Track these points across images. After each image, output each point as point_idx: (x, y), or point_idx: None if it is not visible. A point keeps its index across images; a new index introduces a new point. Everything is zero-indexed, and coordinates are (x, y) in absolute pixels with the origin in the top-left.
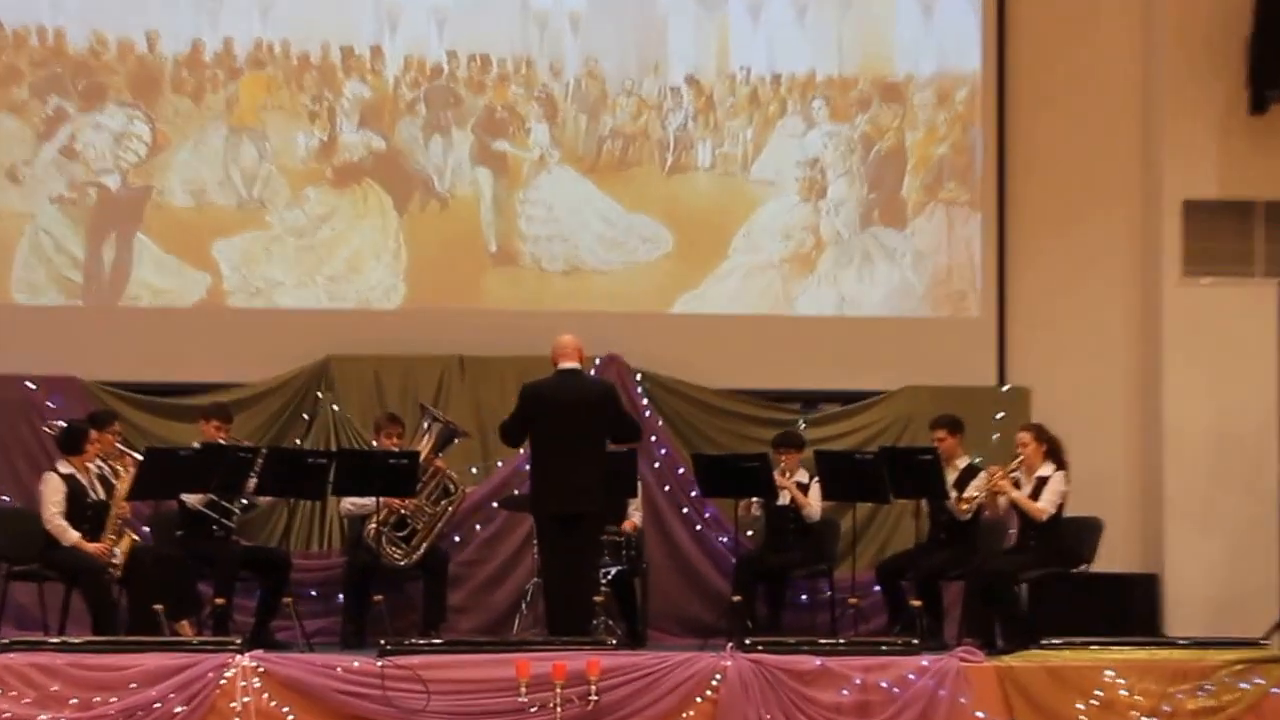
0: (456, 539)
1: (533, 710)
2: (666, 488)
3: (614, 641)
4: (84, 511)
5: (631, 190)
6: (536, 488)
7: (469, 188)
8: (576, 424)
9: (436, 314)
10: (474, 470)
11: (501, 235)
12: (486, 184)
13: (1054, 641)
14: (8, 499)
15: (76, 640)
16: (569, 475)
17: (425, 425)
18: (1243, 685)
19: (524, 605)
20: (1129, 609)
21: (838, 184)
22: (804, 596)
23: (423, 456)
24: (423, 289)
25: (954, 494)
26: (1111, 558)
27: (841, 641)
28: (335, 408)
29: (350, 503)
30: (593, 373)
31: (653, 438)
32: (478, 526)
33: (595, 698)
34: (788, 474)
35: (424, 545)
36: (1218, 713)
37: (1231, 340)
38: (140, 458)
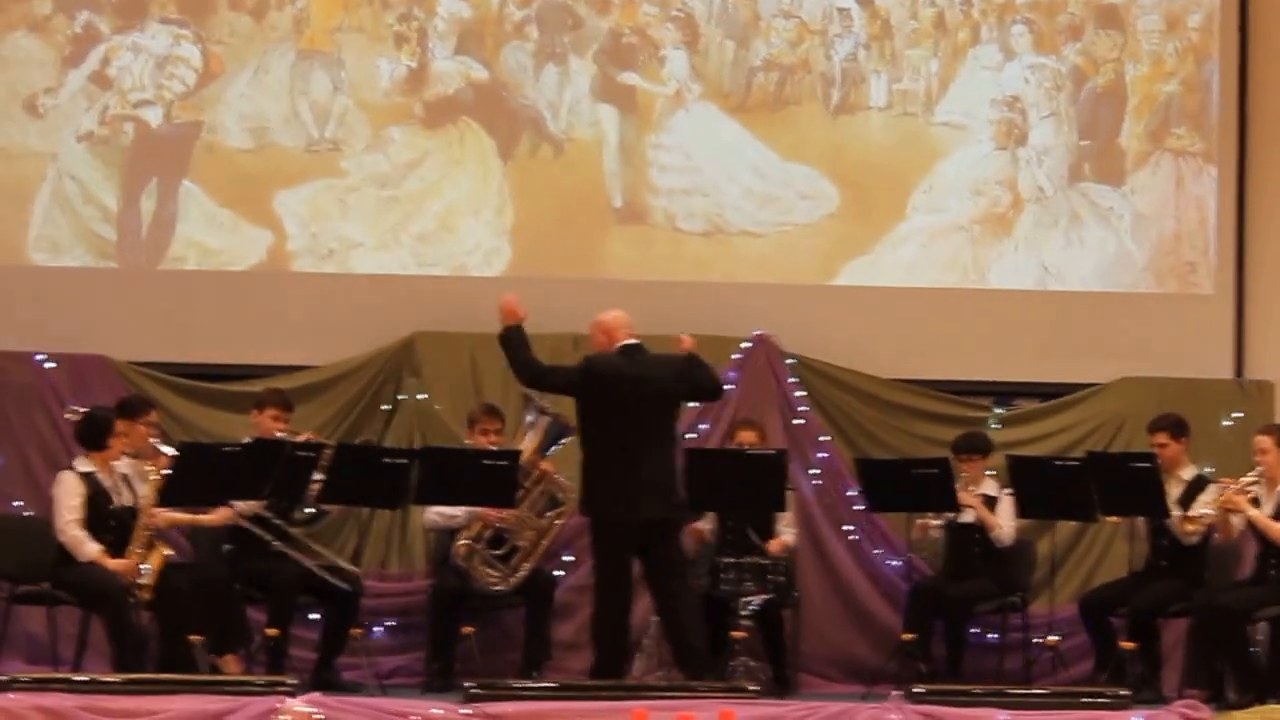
0: (567, 559)
1: None
2: (825, 500)
3: (756, 688)
4: (107, 520)
5: (788, 135)
6: (600, 491)
7: (589, 129)
8: (651, 409)
9: (548, 283)
10: None
11: (628, 188)
12: (611, 125)
13: None
14: (20, 503)
15: (91, 678)
16: (642, 474)
17: (530, 419)
18: None
19: (645, 640)
20: None
21: (1041, 129)
22: (991, 635)
23: (525, 457)
24: (531, 253)
25: (1177, 512)
26: None
27: (1036, 691)
28: (421, 396)
29: (437, 513)
30: (735, 357)
31: (819, 438)
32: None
33: None
34: (972, 485)
35: (526, 566)
36: None
37: None
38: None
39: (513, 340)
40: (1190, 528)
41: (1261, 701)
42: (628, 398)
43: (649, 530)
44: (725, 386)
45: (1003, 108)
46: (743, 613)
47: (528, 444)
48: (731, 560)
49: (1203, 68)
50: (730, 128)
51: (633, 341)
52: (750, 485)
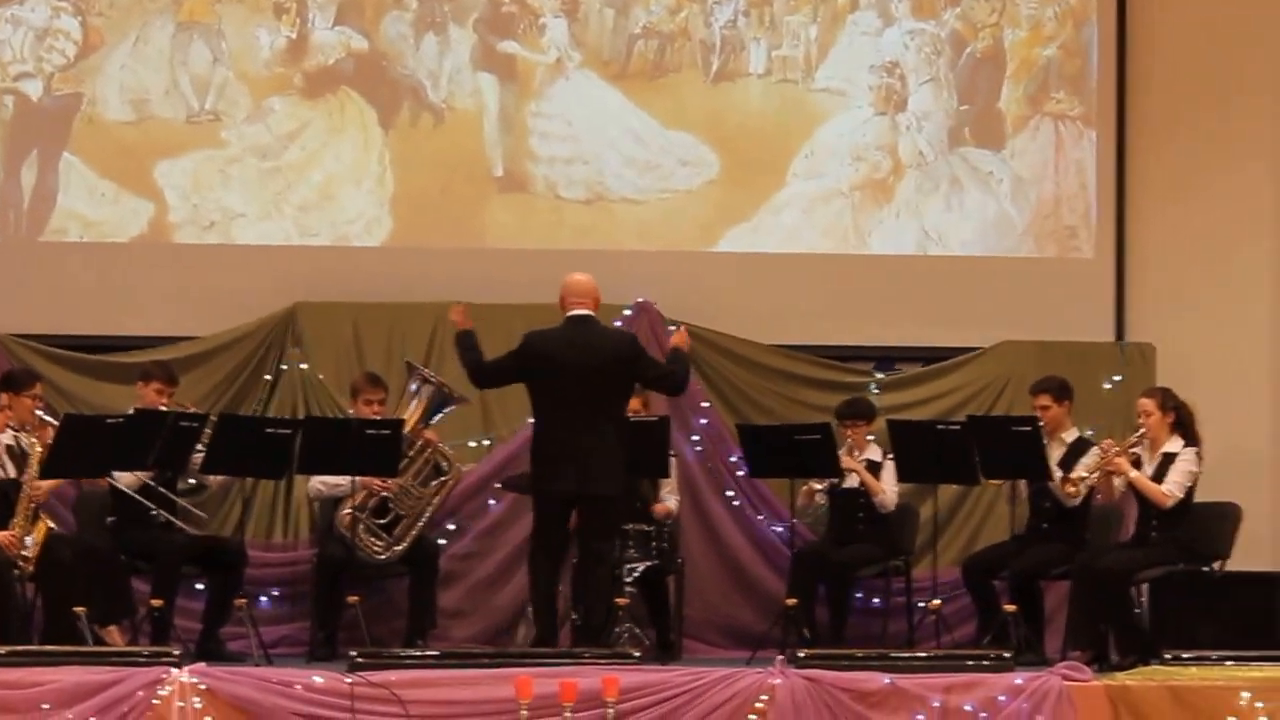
0: (451, 528)
1: None
2: (708, 466)
3: (639, 654)
4: None
5: (669, 102)
6: (539, 464)
7: (469, 98)
8: (592, 385)
9: (428, 253)
10: (473, 444)
11: (509, 156)
12: (491, 94)
13: (1179, 656)
14: None
15: None
16: (582, 449)
17: (414, 388)
18: None
19: (529, 610)
20: (1272, 616)
21: (921, 94)
22: (875, 599)
23: (409, 427)
24: (413, 222)
25: (1059, 474)
26: (1252, 553)
27: (918, 655)
28: (304, 366)
29: (321, 482)
30: (618, 324)
31: (701, 404)
32: (480, 511)
33: None
34: (855, 451)
35: (410, 535)
36: None
37: None
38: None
39: (461, 345)
40: (1072, 490)
41: (1144, 663)
42: (563, 374)
43: (580, 503)
44: None
45: (882, 73)
46: (626, 579)
47: (411, 413)
48: (613, 526)
49: (1081, 32)
50: (611, 95)
51: (581, 313)
52: (632, 452)
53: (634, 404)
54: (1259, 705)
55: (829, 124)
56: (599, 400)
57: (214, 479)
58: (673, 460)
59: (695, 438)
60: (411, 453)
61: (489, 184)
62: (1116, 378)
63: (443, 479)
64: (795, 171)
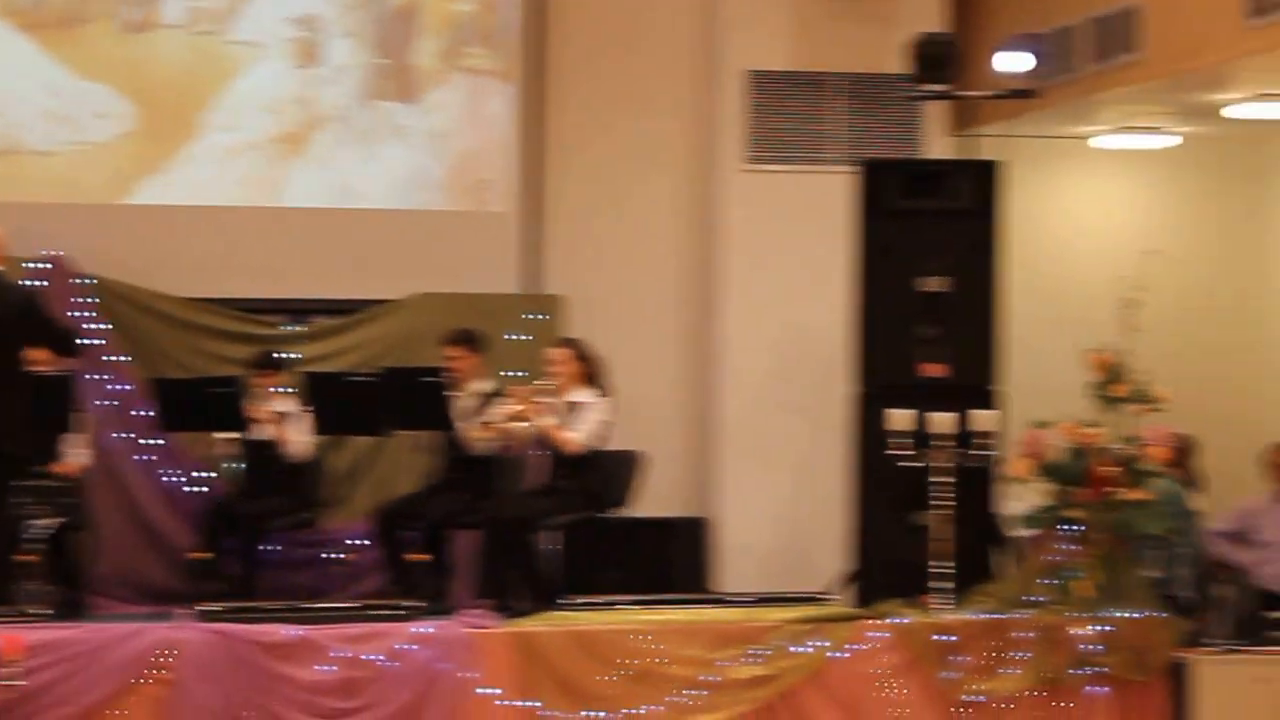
0: None
1: None
2: (117, 420)
3: (46, 612)
4: None
5: (81, 53)
6: None
7: None
8: None
9: None
10: None
11: None
12: None
13: (581, 601)
14: None
15: None
16: None
17: None
18: (800, 649)
19: None
20: (674, 560)
21: (337, 48)
22: (286, 551)
23: None
24: None
25: (470, 424)
26: (657, 500)
27: (329, 605)
28: None
29: None
30: (25, 282)
31: (113, 358)
32: None
33: (19, 683)
34: (266, 403)
35: None
36: (770, 682)
37: (800, 239)
38: None
39: None
40: (483, 439)
41: (549, 609)
42: None
43: None
44: None
45: (300, 26)
46: (31, 535)
47: None
48: (18, 483)
49: None
50: (20, 45)
51: None
52: (38, 408)
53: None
54: (656, 647)
55: (245, 76)
56: (3, 357)
57: None
58: (81, 416)
59: (104, 392)
60: None
61: None
62: (528, 328)
63: None
64: (211, 124)
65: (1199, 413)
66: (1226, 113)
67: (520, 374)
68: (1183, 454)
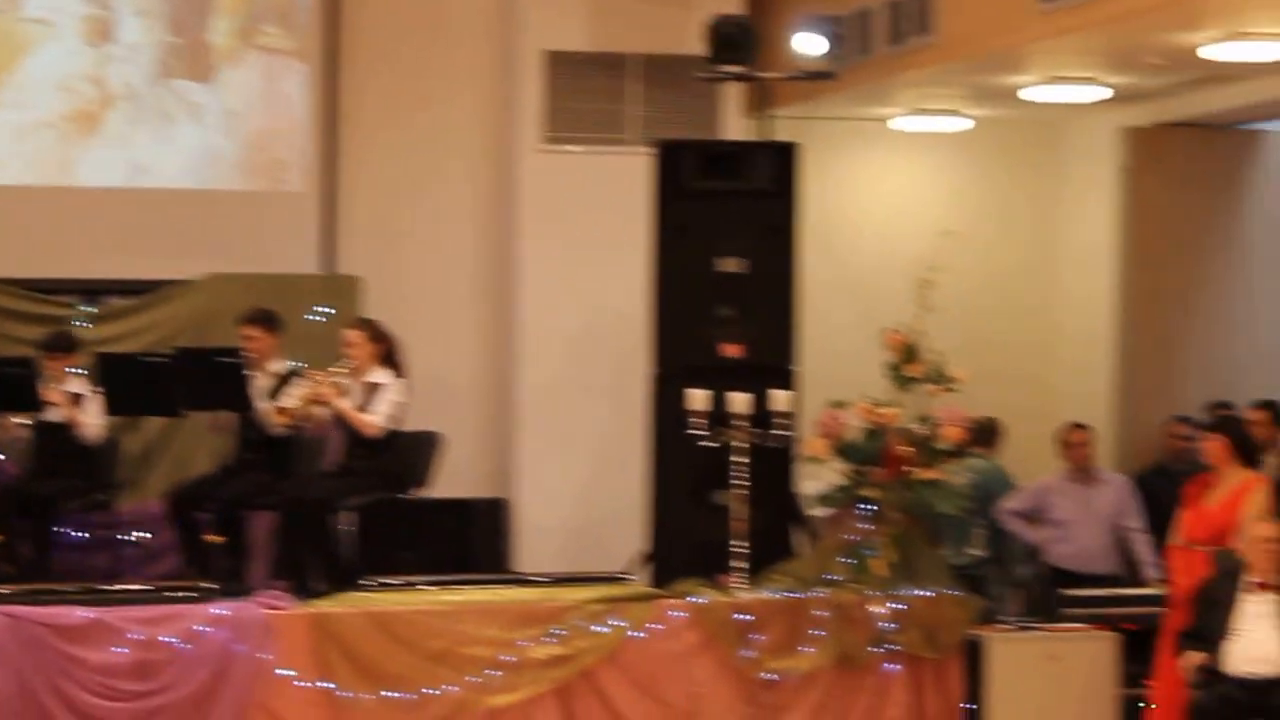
0: None
1: None
2: None
3: None
4: None
5: None
6: None
7: None
8: None
9: None
10: None
11: None
12: None
13: (379, 582)
14: None
15: None
16: None
17: None
18: (598, 629)
19: None
20: (473, 541)
21: (130, 26)
22: (80, 533)
23: None
24: None
25: (267, 405)
26: (455, 480)
27: (124, 587)
28: None
29: None
30: None
31: None
32: None
33: None
34: (58, 383)
35: None
36: (569, 662)
37: (599, 218)
38: None
39: None
40: (281, 420)
41: (346, 590)
42: None
43: None
44: None
45: (92, 4)
46: None
47: None
48: None
49: None
50: None
51: None
52: None
53: None
54: (456, 627)
55: (36, 54)
56: None
57: None
58: None
59: None
60: None
61: None
62: (326, 309)
63: None
64: (1, 102)
65: (994, 393)
66: (1023, 95)
67: (317, 355)
68: (990, 435)
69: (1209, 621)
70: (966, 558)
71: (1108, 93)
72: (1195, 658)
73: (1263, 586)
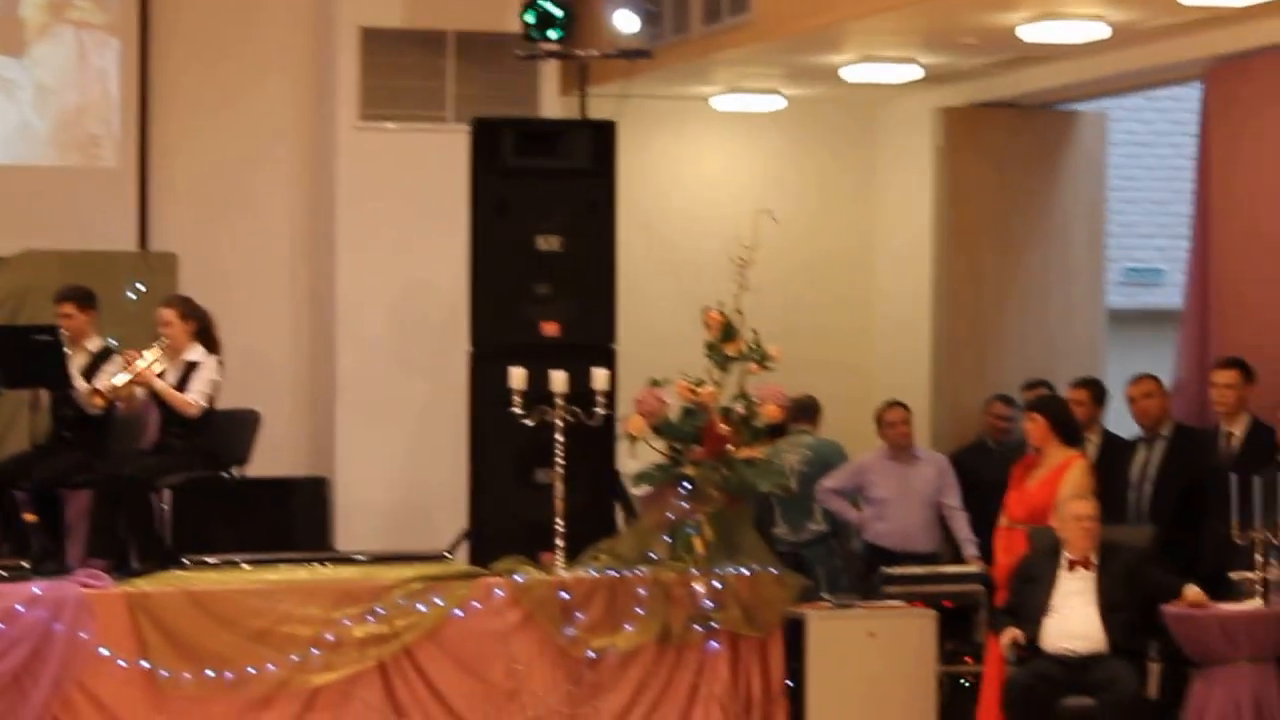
0: None
1: None
2: None
3: None
4: None
5: None
6: None
7: None
8: None
9: None
10: None
11: None
12: None
13: (200, 560)
14: None
15: None
16: None
17: None
18: (419, 607)
19: None
20: (294, 519)
21: None
22: None
23: None
24: None
25: (83, 383)
26: (274, 459)
27: None
28: None
29: None
30: None
31: None
32: None
33: None
34: None
35: None
36: (390, 640)
37: (418, 196)
38: None
39: None
40: (97, 399)
41: (164, 569)
42: None
43: None
44: None
45: None
46: None
47: None
48: None
49: None
50: None
51: None
52: None
53: None
54: (276, 606)
55: None
56: None
57: None
58: None
59: None
60: None
61: None
62: (140, 286)
63: None
64: None
65: (812, 370)
66: (843, 75)
67: (133, 332)
68: (812, 411)
69: (1026, 599)
70: (809, 533)
71: (919, 72)
72: (1011, 634)
73: (1079, 564)
